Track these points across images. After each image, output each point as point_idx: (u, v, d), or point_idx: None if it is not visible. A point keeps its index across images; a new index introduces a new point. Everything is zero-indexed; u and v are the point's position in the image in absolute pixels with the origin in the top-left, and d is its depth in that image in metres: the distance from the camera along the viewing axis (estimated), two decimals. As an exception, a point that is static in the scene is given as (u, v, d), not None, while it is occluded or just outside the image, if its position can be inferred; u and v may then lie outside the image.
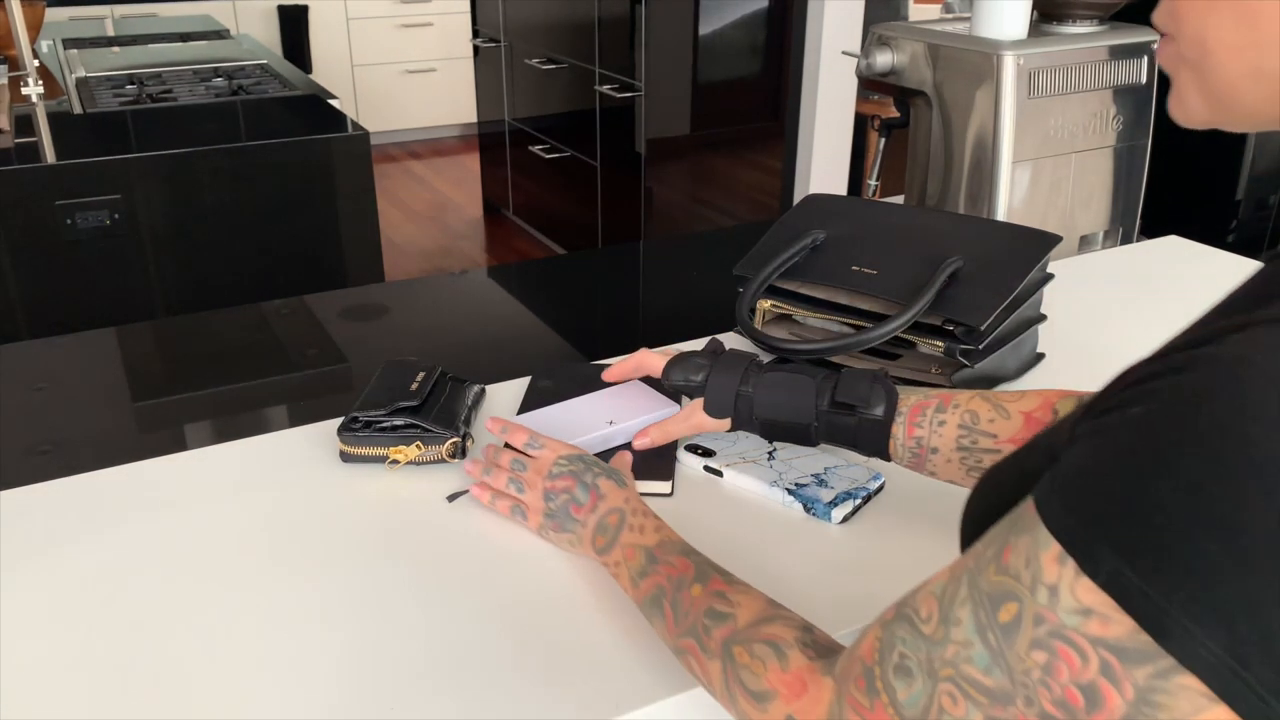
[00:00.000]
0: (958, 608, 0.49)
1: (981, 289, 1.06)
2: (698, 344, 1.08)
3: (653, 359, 0.98)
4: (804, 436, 0.90)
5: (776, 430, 0.91)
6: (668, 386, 0.96)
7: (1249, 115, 0.50)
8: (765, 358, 1.01)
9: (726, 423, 0.92)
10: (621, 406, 1.03)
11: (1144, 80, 1.78)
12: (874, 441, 0.87)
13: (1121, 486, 0.42)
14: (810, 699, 0.57)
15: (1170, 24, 0.52)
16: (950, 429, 0.83)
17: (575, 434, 0.97)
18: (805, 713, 0.57)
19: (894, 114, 1.94)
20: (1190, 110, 0.52)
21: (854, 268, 1.12)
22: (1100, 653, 0.43)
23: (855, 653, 0.55)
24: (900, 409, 0.86)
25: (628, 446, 0.98)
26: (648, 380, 1.06)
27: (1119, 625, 0.42)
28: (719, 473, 0.97)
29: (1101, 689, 0.43)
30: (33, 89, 2.46)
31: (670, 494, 0.95)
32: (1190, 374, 0.42)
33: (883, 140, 1.93)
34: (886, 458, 0.88)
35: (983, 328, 1.03)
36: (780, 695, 0.59)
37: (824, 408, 0.88)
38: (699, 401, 0.93)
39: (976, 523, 0.58)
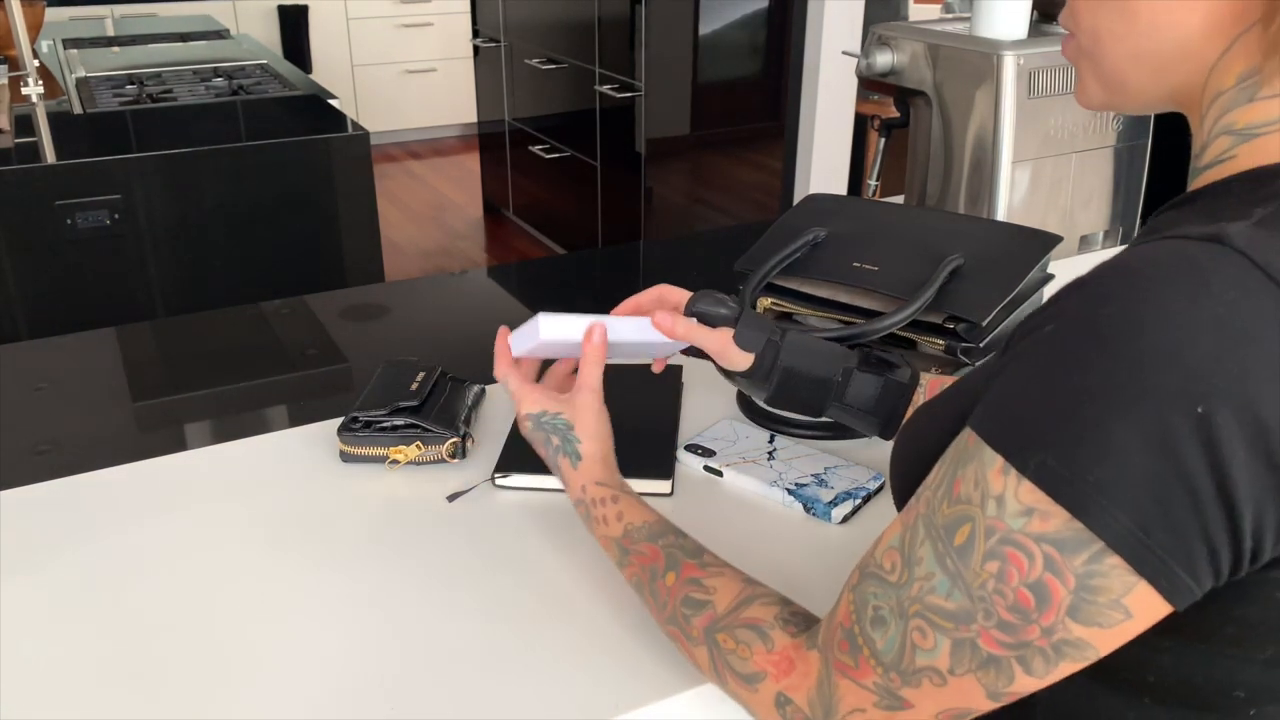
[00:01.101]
0: (918, 549, 0.53)
1: (983, 285, 1.06)
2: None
3: (675, 292, 0.92)
4: (820, 393, 0.87)
5: (795, 381, 0.86)
6: (689, 315, 0.88)
7: (1137, 95, 0.58)
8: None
9: (746, 359, 0.86)
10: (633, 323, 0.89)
11: (1144, 80, 1.78)
12: (893, 407, 0.87)
13: (1043, 391, 0.48)
14: (799, 673, 0.59)
15: (1071, 22, 0.60)
16: None
17: (569, 323, 0.84)
18: (795, 688, 0.59)
19: (894, 114, 1.94)
20: (1090, 95, 0.60)
21: (855, 264, 1.11)
22: (1043, 548, 0.47)
23: (833, 620, 0.58)
24: (921, 381, 0.88)
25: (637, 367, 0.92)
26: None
27: (1055, 517, 0.47)
28: (719, 473, 0.97)
29: (1048, 584, 0.48)
30: (33, 89, 2.46)
31: (670, 494, 0.95)
32: (1089, 286, 0.48)
33: (883, 140, 1.93)
34: (891, 433, 0.87)
35: (985, 323, 1.03)
36: (769, 675, 0.61)
37: (852, 365, 0.87)
38: (726, 330, 0.87)
39: (909, 454, 0.62)
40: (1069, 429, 0.46)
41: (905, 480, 0.62)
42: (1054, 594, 0.47)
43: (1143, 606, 0.47)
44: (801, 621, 0.63)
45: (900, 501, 0.64)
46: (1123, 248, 0.52)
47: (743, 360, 0.87)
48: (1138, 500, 0.45)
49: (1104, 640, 0.48)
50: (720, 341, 0.87)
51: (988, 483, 0.49)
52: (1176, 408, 0.44)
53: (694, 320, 0.88)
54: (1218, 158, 0.54)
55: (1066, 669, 0.50)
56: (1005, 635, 0.49)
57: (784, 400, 0.88)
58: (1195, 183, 0.56)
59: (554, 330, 0.83)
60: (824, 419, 1.04)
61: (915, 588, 0.52)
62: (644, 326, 0.87)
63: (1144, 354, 0.44)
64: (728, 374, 0.90)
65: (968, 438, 0.52)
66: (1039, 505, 0.47)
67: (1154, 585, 0.46)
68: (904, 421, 0.68)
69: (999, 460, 0.49)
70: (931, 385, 0.87)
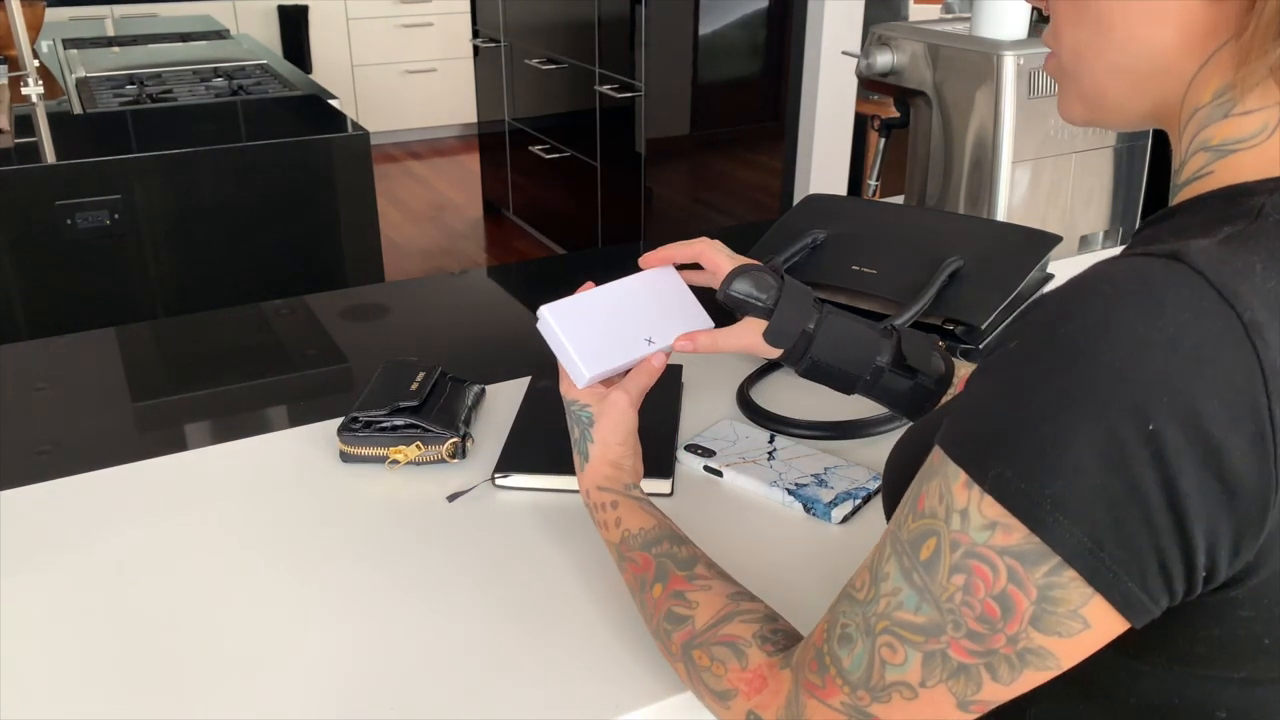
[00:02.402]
0: (884, 565, 0.53)
1: (982, 288, 1.06)
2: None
3: (716, 257, 0.87)
4: (846, 385, 0.86)
5: (822, 372, 0.85)
6: (724, 294, 0.85)
7: (1118, 111, 0.59)
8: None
9: (777, 350, 0.85)
10: (662, 316, 0.87)
11: (1144, 80, 1.78)
12: (919, 407, 0.86)
13: (1004, 406, 0.49)
14: (770, 692, 0.59)
15: (1053, 40, 0.61)
16: None
17: (609, 350, 0.84)
18: (765, 706, 0.59)
19: (894, 114, 1.94)
20: (1072, 111, 0.62)
21: (854, 267, 1.12)
22: (1006, 561, 0.48)
23: (809, 640, 0.58)
24: (955, 382, 0.86)
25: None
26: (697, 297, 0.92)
27: (1016, 531, 0.48)
28: (719, 473, 0.97)
29: (1012, 595, 0.48)
30: (33, 89, 2.46)
31: (670, 494, 0.95)
32: (1050, 304, 0.49)
33: (883, 140, 1.93)
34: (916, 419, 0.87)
35: (984, 326, 1.03)
36: (741, 692, 0.61)
37: (884, 364, 0.84)
38: (753, 322, 0.85)
39: (897, 478, 0.62)
40: (1026, 444, 0.47)
41: (892, 499, 0.62)
42: (1018, 604, 0.48)
43: (1100, 618, 0.48)
44: (782, 640, 0.63)
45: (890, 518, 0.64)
46: (1120, 249, 0.52)
47: (771, 351, 0.85)
48: (1091, 515, 0.46)
49: (1065, 650, 0.49)
50: (748, 342, 0.85)
51: (952, 496, 0.50)
52: (1128, 424, 0.45)
53: (709, 331, 0.86)
54: (1195, 174, 0.55)
55: (1031, 677, 0.50)
56: (974, 644, 0.50)
57: (811, 377, 0.86)
58: (1174, 199, 0.56)
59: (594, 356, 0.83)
60: (825, 421, 1.04)
61: (882, 604, 0.53)
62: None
63: (1098, 372, 0.45)
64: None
65: (934, 454, 0.52)
66: (1000, 519, 0.48)
67: (1107, 599, 0.47)
68: (895, 444, 0.67)
69: (962, 475, 0.50)
70: (962, 382, 0.86)
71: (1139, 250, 0.49)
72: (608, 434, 0.82)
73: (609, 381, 0.85)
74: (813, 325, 0.83)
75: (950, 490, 0.50)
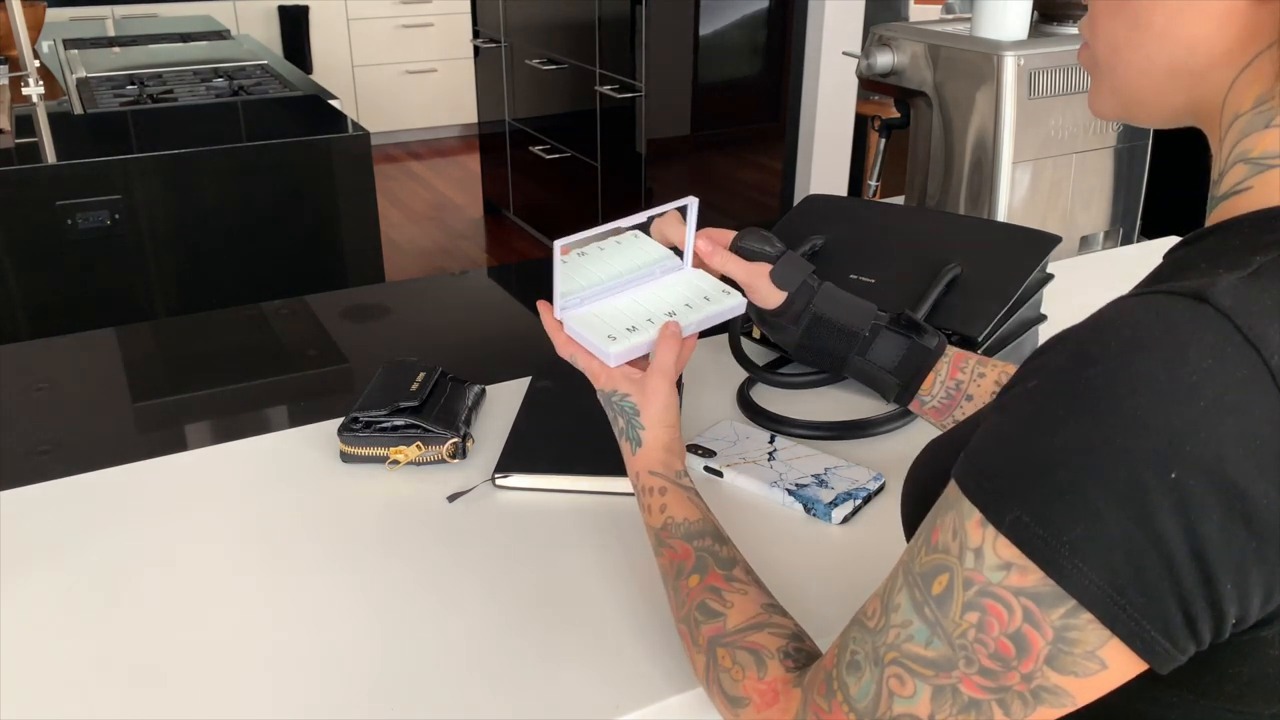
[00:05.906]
0: (895, 595, 0.53)
1: (980, 296, 1.06)
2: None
3: (717, 233, 0.91)
4: (844, 345, 0.87)
5: (823, 329, 0.87)
6: (735, 247, 0.89)
7: (1151, 108, 0.57)
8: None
9: (778, 297, 0.87)
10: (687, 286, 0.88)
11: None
12: (916, 369, 0.86)
13: (1021, 448, 0.48)
14: (779, 709, 0.59)
15: (1089, 30, 0.59)
16: (988, 383, 0.85)
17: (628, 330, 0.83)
18: None
19: (894, 114, 1.94)
20: (1102, 105, 0.59)
21: (851, 276, 1.11)
22: (1022, 602, 0.48)
23: (820, 663, 0.58)
24: (947, 352, 0.87)
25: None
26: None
27: (1032, 573, 0.47)
28: (719, 473, 0.97)
29: (1027, 634, 0.48)
30: (33, 89, 2.46)
31: (670, 494, 0.95)
32: (1071, 344, 0.48)
33: (883, 141, 1.93)
34: (909, 398, 0.87)
35: (980, 338, 1.03)
36: (753, 702, 0.61)
37: (882, 323, 0.87)
38: (764, 267, 0.87)
39: (915, 492, 0.62)
40: (1045, 488, 0.46)
41: (911, 521, 0.62)
42: (1033, 644, 0.48)
43: (1117, 659, 0.47)
44: (804, 659, 0.63)
45: (910, 538, 0.63)
46: (1123, 248, 0.51)
47: (774, 298, 0.87)
48: (1111, 562, 0.45)
49: (1081, 688, 0.48)
50: (754, 274, 0.87)
51: (966, 534, 0.49)
52: (1150, 473, 0.44)
53: (726, 252, 0.88)
54: (1233, 188, 0.53)
55: (1044, 713, 0.49)
56: (987, 680, 0.49)
57: (808, 347, 0.88)
58: (1212, 215, 0.54)
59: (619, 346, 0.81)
60: (825, 421, 1.04)
61: (891, 635, 0.52)
62: (691, 324, 0.84)
63: (1119, 419, 0.45)
64: (757, 316, 0.90)
65: (950, 487, 0.52)
66: (1016, 561, 0.47)
67: (1128, 644, 0.46)
68: (915, 460, 0.66)
69: (977, 513, 0.49)
70: (956, 358, 0.87)
71: (1164, 288, 0.47)
72: (658, 417, 0.80)
73: (637, 362, 0.84)
74: (815, 282, 0.87)
75: (964, 527, 0.50)
